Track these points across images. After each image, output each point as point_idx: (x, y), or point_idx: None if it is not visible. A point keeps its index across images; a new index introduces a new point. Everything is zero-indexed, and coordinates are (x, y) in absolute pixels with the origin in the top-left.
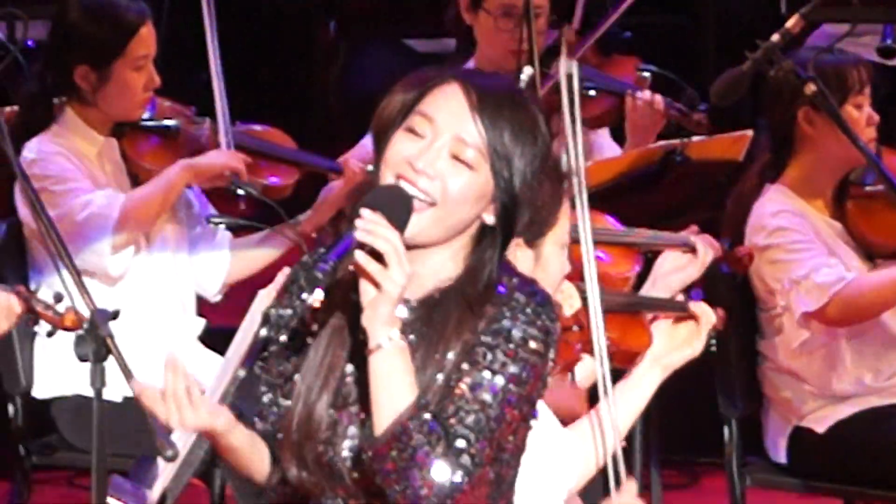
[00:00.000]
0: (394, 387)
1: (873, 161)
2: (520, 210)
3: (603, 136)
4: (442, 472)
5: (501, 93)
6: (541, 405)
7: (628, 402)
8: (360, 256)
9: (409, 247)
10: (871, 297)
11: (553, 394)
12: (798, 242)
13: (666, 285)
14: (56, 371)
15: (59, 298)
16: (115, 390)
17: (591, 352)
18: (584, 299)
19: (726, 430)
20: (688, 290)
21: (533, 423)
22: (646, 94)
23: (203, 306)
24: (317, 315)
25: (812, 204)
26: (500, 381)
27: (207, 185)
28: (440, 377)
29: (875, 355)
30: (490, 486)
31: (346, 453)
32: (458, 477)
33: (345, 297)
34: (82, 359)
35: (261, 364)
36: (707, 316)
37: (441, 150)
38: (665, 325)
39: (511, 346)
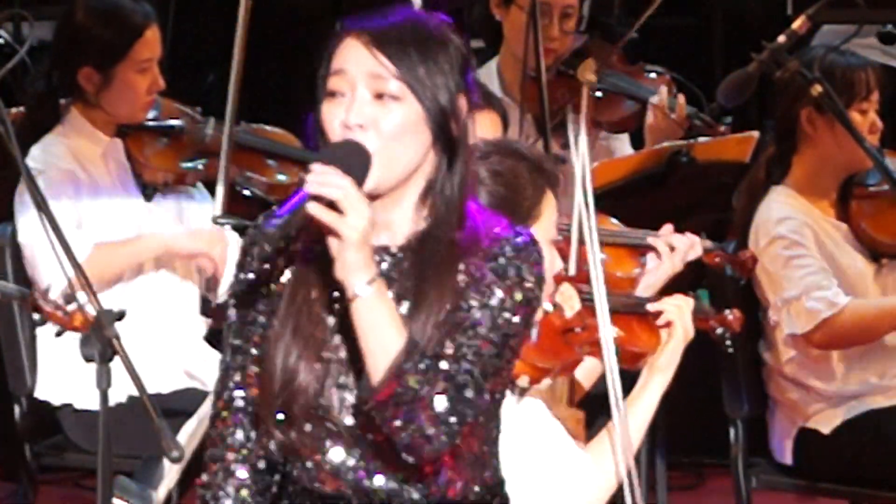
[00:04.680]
0: (381, 333)
1: (879, 161)
2: (453, 127)
3: (623, 141)
4: (446, 409)
5: (394, 20)
6: (557, 426)
7: (634, 413)
8: (313, 208)
9: (374, 198)
10: (859, 327)
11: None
12: (798, 258)
13: (645, 285)
14: (64, 378)
15: (69, 299)
16: (121, 391)
17: (595, 353)
18: (584, 300)
19: (732, 432)
20: (694, 290)
21: (549, 443)
22: (664, 97)
23: (208, 307)
24: (274, 273)
25: (817, 205)
26: (499, 315)
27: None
28: (434, 319)
29: (880, 356)
30: (485, 431)
31: (336, 403)
32: (463, 409)
33: (307, 250)
34: (88, 359)
35: (238, 340)
36: (669, 310)
37: (363, 96)
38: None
39: (508, 282)
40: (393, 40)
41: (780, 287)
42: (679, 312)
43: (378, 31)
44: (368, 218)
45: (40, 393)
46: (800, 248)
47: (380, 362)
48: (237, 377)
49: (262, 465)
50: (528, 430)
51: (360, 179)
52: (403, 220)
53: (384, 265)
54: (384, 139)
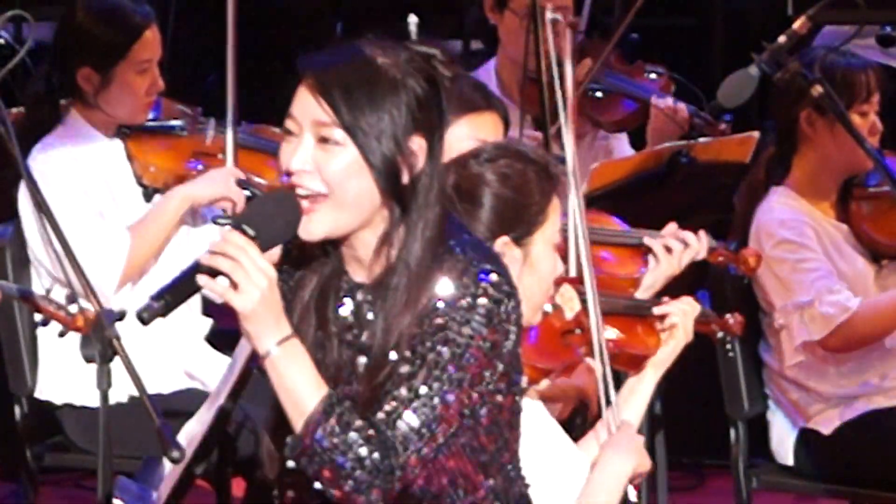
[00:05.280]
0: (294, 391)
1: (879, 162)
2: (402, 173)
3: (622, 140)
4: (371, 465)
5: (340, 63)
6: (554, 427)
7: (630, 405)
8: (201, 280)
9: (336, 239)
10: (873, 325)
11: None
12: (805, 261)
13: (644, 286)
14: (65, 378)
15: (71, 300)
16: (122, 391)
17: (593, 355)
18: (584, 301)
19: (733, 432)
20: (693, 291)
21: (546, 444)
22: (669, 102)
23: (210, 307)
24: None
25: (818, 206)
26: (437, 369)
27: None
28: (384, 369)
29: (880, 357)
30: (471, 460)
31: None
32: (390, 465)
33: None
34: (88, 360)
35: None
36: (675, 314)
37: (307, 142)
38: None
39: (449, 332)
40: (337, 85)
41: (789, 291)
42: (684, 317)
43: (324, 74)
44: (267, 285)
45: (41, 393)
46: (806, 251)
47: (296, 419)
48: None
49: None
50: (526, 431)
51: (284, 233)
52: (371, 258)
53: (363, 301)
54: (328, 183)
